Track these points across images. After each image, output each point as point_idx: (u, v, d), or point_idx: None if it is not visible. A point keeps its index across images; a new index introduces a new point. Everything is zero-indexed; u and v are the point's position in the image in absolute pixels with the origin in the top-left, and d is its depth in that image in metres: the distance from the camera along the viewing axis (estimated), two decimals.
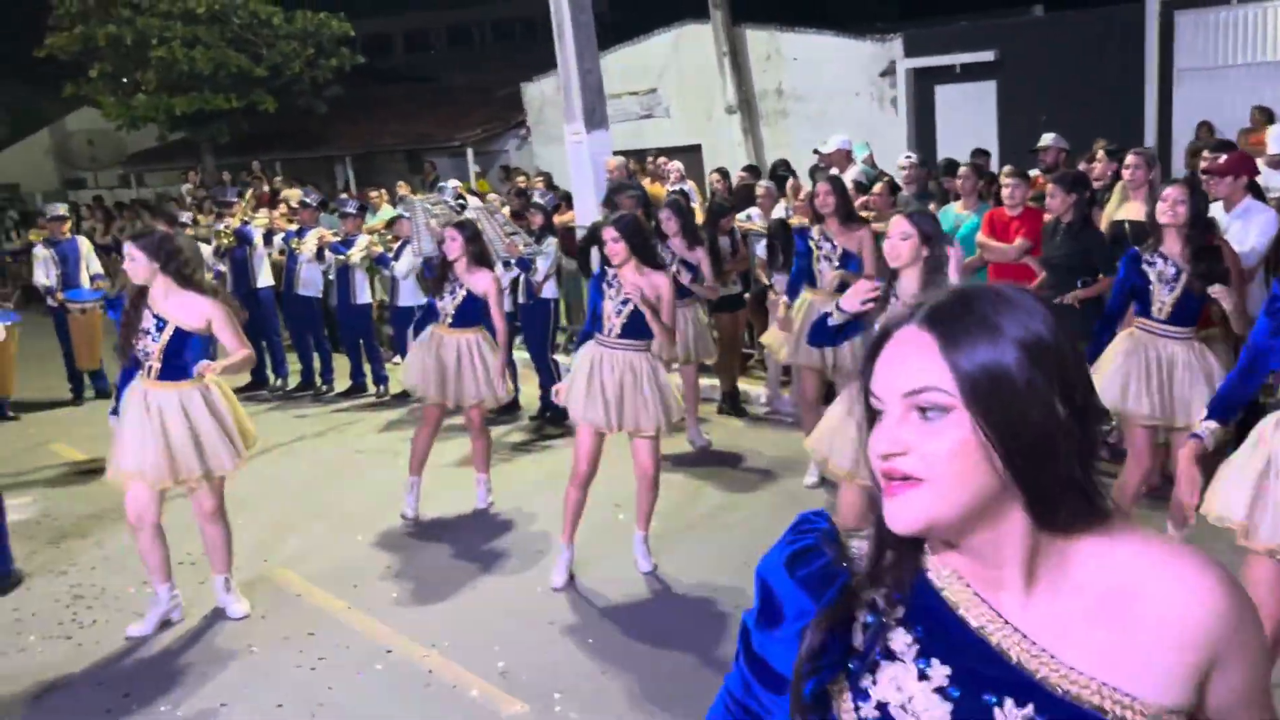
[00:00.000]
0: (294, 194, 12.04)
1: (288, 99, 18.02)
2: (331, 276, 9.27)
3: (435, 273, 6.35)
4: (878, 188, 7.92)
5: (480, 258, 6.15)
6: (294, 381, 9.81)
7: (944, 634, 1.10)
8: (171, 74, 16.52)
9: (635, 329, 5.02)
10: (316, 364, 9.69)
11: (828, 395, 6.13)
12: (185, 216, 10.63)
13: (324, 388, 9.68)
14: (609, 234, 4.98)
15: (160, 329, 4.52)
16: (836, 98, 14.92)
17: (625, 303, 5.00)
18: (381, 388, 9.40)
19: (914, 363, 1.05)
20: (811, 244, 6.06)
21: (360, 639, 4.67)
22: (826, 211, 6.15)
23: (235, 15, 16.93)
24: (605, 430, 4.96)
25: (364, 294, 9.23)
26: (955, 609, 1.10)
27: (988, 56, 13.59)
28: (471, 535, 5.91)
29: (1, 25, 33.45)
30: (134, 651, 4.66)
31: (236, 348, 4.61)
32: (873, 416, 1.10)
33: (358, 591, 5.19)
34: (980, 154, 9.92)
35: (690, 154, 15.57)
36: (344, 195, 11.41)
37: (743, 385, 8.16)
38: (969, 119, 13.86)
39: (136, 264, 4.45)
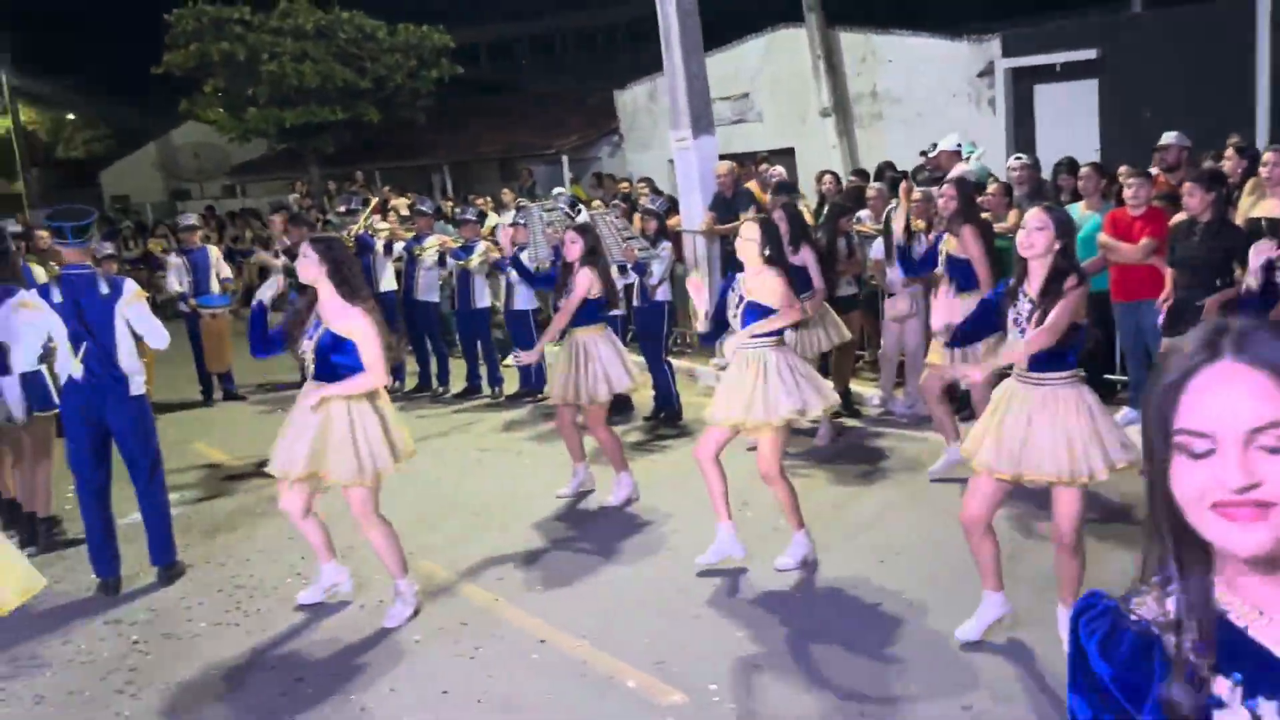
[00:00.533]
0: (401, 202, 12.41)
1: (389, 110, 18.54)
2: (454, 282, 9.57)
3: (559, 277, 6.56)
4: (992, 188, 7.92)
5: (592, 257, 6.37)
6: (411, 384, 10.13)
7: (1263, 671, 1.14)
8: (281, 88, 17.14)
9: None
10: (433, 366, 10.00)
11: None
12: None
13: (440, 389, 9.98)
14: (747, 230, 5.14)
15: (315, 329, 4.77)
16: (933, 99, 14.83)
17: (740, 301, 5.16)
18: (497, 389, 9.67)
19: (1252, 400, 1.10)
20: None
21: (511, 630, 4.86)
22: (946, 213, 6.21)
23: (341, 30, 17.50)
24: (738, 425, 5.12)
25: (483, 298, 9.50)
26: (1263, 644, 1.15)
27: (1089, 55, 13.39)
28: (603, 530, 6.08)
29: (105, 48, 34.86)
30: (302, 637, 4.92)
31: (370, 365, 4.70)
32: (1166, 445, 1.14)
33: (502, 584, 5.40)
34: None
35: (783, 158, 15.62)
36: (467, 201, 11.73)
37: (854, 387, 8.22)
38: (1070, 119, 13.69)
39: (308, 263, 4.69)
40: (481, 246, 9.35)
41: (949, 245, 6.21)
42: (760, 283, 5.10)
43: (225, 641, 4.94)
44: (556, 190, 10.33)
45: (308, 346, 4.82)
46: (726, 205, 9.81)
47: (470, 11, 29.25)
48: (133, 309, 5.59)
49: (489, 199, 12.28)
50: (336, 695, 4.34)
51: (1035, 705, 3.87)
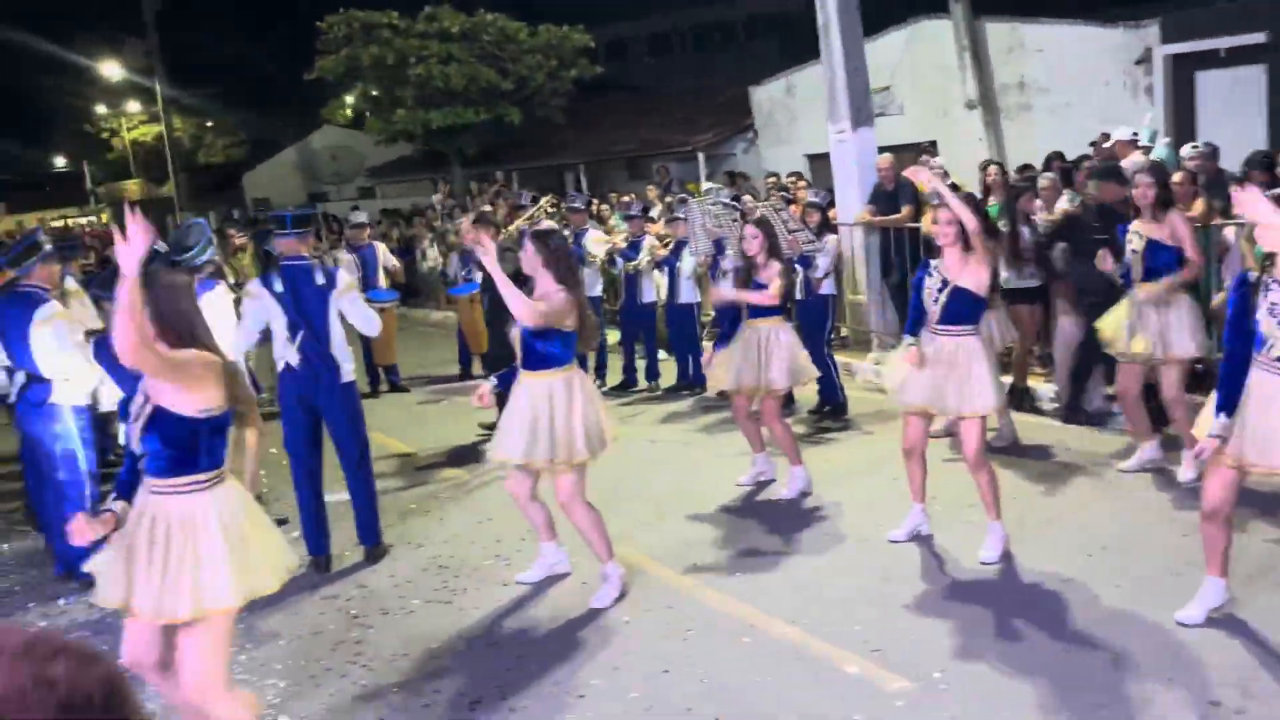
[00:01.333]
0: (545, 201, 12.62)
1: (528, 110, 18.91)
2: (621, 277, 9.74)
3: (742, 273, 6.60)
4: (1178, 177, 7.68)
5: (773, 251, 6.42)
6: None
7: None
8: (426, 90, 17.64)
9: (955, 314, 5.13)
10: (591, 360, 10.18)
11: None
12: (455, 223, 11.38)
13: (598, 383, 10.14)
14: (944, 215, 5.11)
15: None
16: (1084, 88, 14.42)
17: (943, 289, 5.12)
18: (654, 382, 9.79)
19: None
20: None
21: (718, 614, 4.93)
22: (1144, 203, 6.06)
23: (485, 32, 17.92)
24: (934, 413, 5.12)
25: (650, 294, 9.64)
26: None
27: (1258, 38, 12.85)
28: (786, 520, 6.11)
29: (244, 56, 36.31)
30: (515, 615, 5.08)
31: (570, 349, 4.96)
32: None
33: (698, 570, 5.48)
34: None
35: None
36: (626, 199, 11.91)
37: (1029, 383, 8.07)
38: (1236, 107, 13.15)
39: (528, 254, 4.87)
40: (648, 243, 9.48)
41: (1147, 231, 6.01)
42: (965, 269, 5.07)
43: (442, 618, 5.13)
44: (706, 186, 10.38)
45: (515, 335, 4.99)
46: (887, 197, 9.73)
47: (589, 11, 29.67)
48: (346, 299, 5.85)
49: (633, 196, 12.40)
50: (561, 670, 4.48)
51: None
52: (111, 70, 30.76)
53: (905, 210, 9.60)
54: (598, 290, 10.05)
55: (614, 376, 10.05)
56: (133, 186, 47.53)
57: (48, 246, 5.92)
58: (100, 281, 6.30)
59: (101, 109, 47.96)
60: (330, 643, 4.94)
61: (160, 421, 3.35)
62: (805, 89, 17.63)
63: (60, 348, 5.73)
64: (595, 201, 11.95)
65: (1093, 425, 7.35)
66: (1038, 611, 4.68)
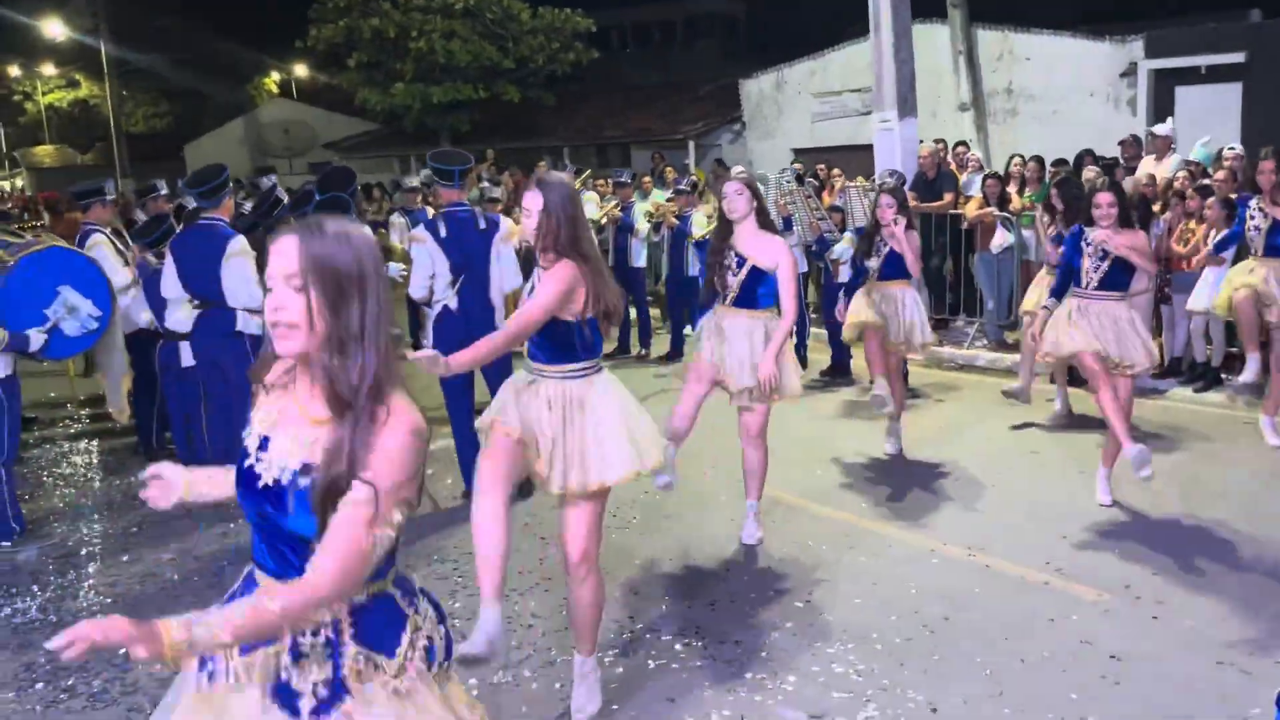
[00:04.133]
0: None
1: (524, 90, 19.06)
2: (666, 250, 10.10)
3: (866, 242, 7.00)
4: (1220, 174, 8.38)
5: (911, 222, 6.85)
6: (609, 347, 10.66)
7: None
8: (425, 64, 17.67)
9: (1113, 280, 5.65)
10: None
11: None
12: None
13: (643, 351, 10.49)
14: (1105, 198, 5.62)
15: (740, 266, 5.27)
16: (1070, 98, 15.29)
17: (1104, 258, 5.62)
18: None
19: None
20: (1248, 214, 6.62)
21: (897, 541, 5.36)
22: (1268, 186, 6.64)
23: (489, 10, 18.03)
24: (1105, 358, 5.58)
25: (694, 267, 10.00)
26: None
27: (1237, 58, 13.84)
28: (915, 470, 6.57)
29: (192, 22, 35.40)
30: (695, 540, 5.42)
31: (791, 293, 5.19)
32: None
33: (863, 507, 5.93)
34: None
35: None
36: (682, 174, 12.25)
37: None
38: (1211, 121, 14.09)
39: (741, 200, 5.19)
40: (700, 218, 9.84)
41: (1272, 212, 6.59)
42: (1126, 239, 5.57)
43: (650, 541, 5.44)
44: (782, 169, 10.78)
45: (732, 281, 5.30)
46: (928, 185, 10.29)
47: None
48: (506, 245, 6.10)
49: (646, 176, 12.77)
50: (772, 592, 4.84)
51: None
52: (56, 29, 29.64)
53: (946, 197, 10.18)
54: (643, 262, 10.41)
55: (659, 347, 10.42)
56: (49, 151, 45.90)
57: None
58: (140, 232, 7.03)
59: (14, 70, 46.18)
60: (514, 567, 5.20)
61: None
62: (794, 83, 18.23)
63: None
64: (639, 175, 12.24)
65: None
66: (1211, 539, 5.21)
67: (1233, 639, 4.17)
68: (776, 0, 27.04)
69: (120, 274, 6.58)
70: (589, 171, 11.72)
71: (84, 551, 5.70)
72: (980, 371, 9.44)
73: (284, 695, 1.96)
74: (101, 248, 6.60)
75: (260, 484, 1.97)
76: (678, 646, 4.31)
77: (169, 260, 6.14)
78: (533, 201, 3.56)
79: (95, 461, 7.57)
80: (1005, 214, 9.63)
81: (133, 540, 5.82)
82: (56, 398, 9.50)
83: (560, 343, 3.61)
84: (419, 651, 2.04)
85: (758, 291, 5.24)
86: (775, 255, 5.17)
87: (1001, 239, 9.55)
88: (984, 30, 16.08)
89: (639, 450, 3.61)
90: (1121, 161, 10.01)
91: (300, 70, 32.52)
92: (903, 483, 6.33)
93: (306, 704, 1.95)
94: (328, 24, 18.22)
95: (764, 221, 5.28)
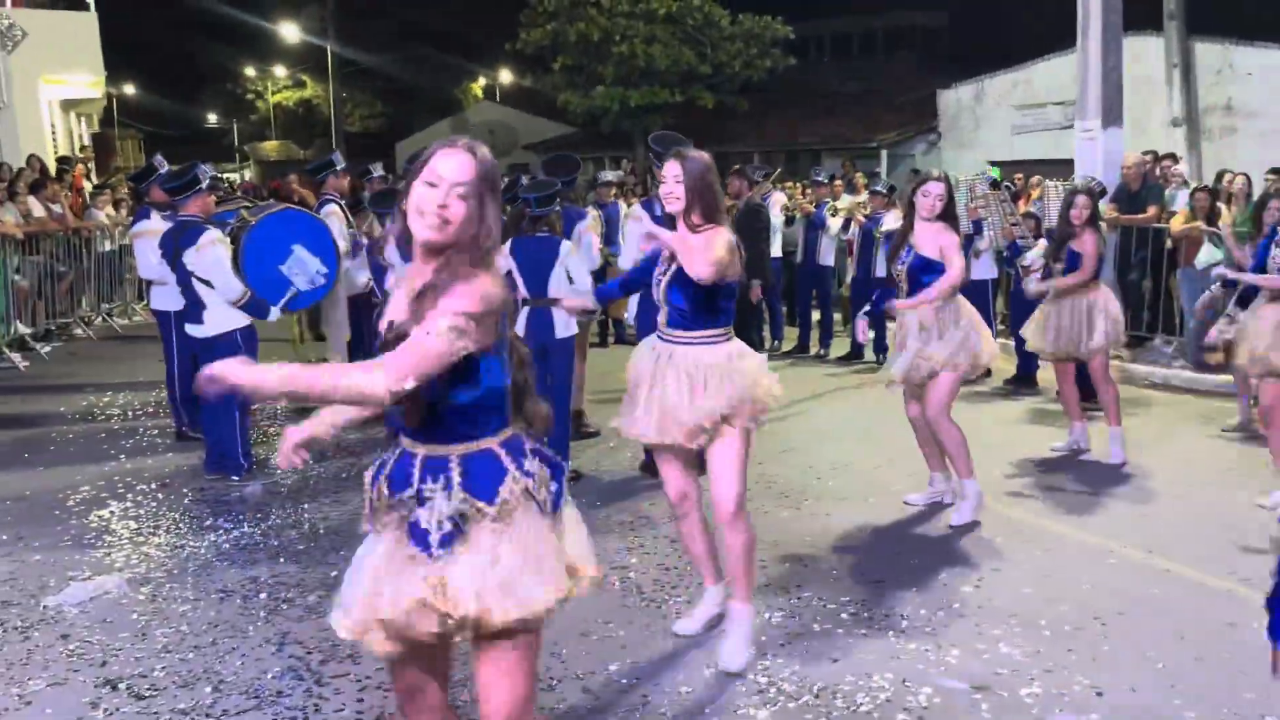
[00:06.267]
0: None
1: (718, 96, 19.45)
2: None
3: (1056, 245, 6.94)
4: None
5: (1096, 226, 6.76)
6: (789, 345, 10.82)
7: None
8: (625, 68, 18.29)
9: None
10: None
11: None
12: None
13: (822, 351, 10.60)
14: None
15: (907, 254, 5.43)
16: None
17: None
18: (880, 356, 10.19)
19: None
20: None
21: (1072, 540, 5.32)
22: None
23: (691, 17, 18.52)
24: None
25: (880, 269, 10.04)
26: None
27: None
28: (1091, 473, 6.46)
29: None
30: (877, 527, 5.54)
31: (958, 268, 5.39)
32: None
33: (1035, 507, 5.89)
34: None
35: None
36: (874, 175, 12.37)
37: None
38: None
39: (930, 200, 5.35)
40: (891, 218, 9.86)
41: None
42: None
43: (817, 522, 5.60)
44: (978, 171, 10.70)
45: (900, 270, 5.47)
46: (1130, 198, 9.97)
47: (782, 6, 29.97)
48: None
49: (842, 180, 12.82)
50: (943, 575, 4.91)
51: None
52: (290, 31, 32.02)
53: (1151, 210, 9.84)
54: (831, 260, 10.55)
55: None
56: (274, 146, 49.50)
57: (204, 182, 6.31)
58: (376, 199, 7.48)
59: (250, 71, 49.92)
60: None
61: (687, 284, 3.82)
62: (994, 95, 17.89)
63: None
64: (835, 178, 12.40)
65: None
66: None
67: None
68: (979, 12, 26.44)
69: (343, 239, 7.21)
70: (778, 170, 11.89)
71: (300, 491, 6.28)
72: (1177, 390, 9.09)
73: (417, 533, 2.37)
74: (333, 217, 7.26)
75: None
76: (843, 615, 4.44)
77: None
78: (673, 170, 3.76)
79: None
80: (1214, 229, 9.24)
81: (343, 484, 6.37)
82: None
83: (710, 306, 3.81)
84: (518, 499, 2.38)
85: (922, 280, 5.42)
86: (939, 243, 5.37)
87: (1208, 255, 9.16)
88: (1202, 43, 15.36)
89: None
90: None
91: (505, 75, 33.93)
92: (1083, 486, 6.24)
93: (435, 539, 2.35)
94: (536, 28, 19.08)
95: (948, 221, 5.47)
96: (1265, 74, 14.76)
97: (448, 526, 2.34)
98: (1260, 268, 5.74)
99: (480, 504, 2.35)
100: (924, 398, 5.54)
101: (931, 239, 5.39)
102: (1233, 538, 5.30)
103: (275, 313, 6.37)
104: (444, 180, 2.31)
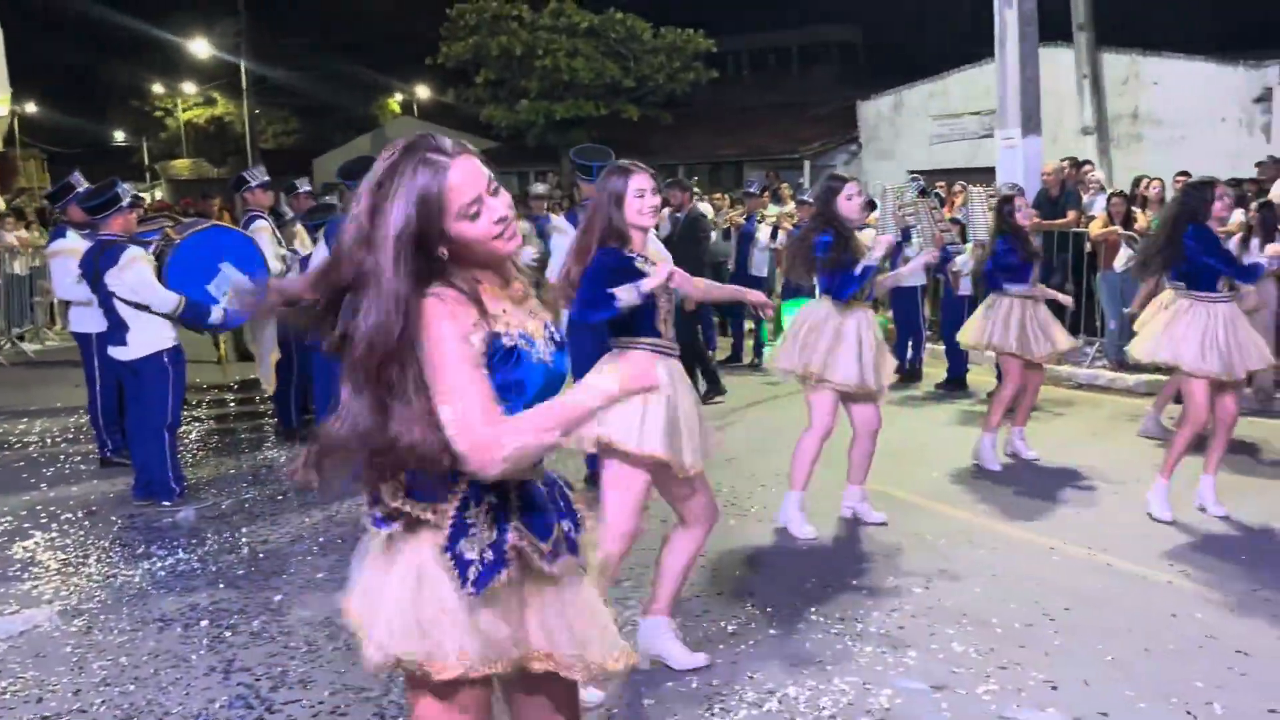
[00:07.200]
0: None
1: (641, 109, 19.52)
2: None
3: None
4: None
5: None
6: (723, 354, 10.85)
7: None
8: (549, 82, 18.25)
9: None
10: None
11: None
12: None
13: (756, 360, 10.65)
14: None
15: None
16: (1198, 123, 15.00)
17: None
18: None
19: None
20: None
21: (1014, 539, 5.41)
22: None
23: (613, 29, 18.56)
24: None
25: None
26: None
27: None
28: (1031, 475, 6.58)
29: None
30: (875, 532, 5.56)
31: None
32: None
33: (972, 506, 5.98)
34: None
35: None
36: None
37: None
38: None
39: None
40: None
41: None
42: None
43: (759, 528, 5.60)
44: (908, 180, 10.86)
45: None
46: (1052, 204, 10.24)
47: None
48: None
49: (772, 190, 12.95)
50: (892, 579, 4.95)
51: None
52: (200, 47, 31.33)
53: (1070, 215, 10.12)
54: (763, 271, 10.59)
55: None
56: (186, 164, 48.32)
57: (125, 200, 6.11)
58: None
59: (158, 88, 48.71)
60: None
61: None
62: (913, 106, 18.25)
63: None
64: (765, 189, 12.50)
65: None
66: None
67: None
68: (892, 27, 27.03)
69: (274, 256, 7.03)
70: (695, 179, 11.97)
71: (235, 515, 6.09)
72: (1100, 390, 9.34)
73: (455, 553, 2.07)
74: (262, 232, 7.08)
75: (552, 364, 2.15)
76: (798, 622, 4.44)
77: (320, 246, 6.56)
78: (649, 182, 3.72)
79: (242, 438, 8.05)
80: (1130, 233, 9.52)
81: (279, 506, 6.20)
82: (201, 383, 10.09)
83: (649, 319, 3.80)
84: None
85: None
86: None
87: (1126, 258, 9.44)
88: (1110, 53, 15.88)
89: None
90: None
91: (423, 91, 33.62)
92: (1019, 486, 6.36)
93: (473, 572, 2.05)
94: (458, 41, 18.96)
95: None
96: (1171, 83, 15.29)
97: (490, 557, 2.11)
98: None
99: (534, 538, 2.14)
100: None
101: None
102: (1169, 531, 5.45)
103: (218, 313, 6.13)
104: (482, 192, 1.98)
